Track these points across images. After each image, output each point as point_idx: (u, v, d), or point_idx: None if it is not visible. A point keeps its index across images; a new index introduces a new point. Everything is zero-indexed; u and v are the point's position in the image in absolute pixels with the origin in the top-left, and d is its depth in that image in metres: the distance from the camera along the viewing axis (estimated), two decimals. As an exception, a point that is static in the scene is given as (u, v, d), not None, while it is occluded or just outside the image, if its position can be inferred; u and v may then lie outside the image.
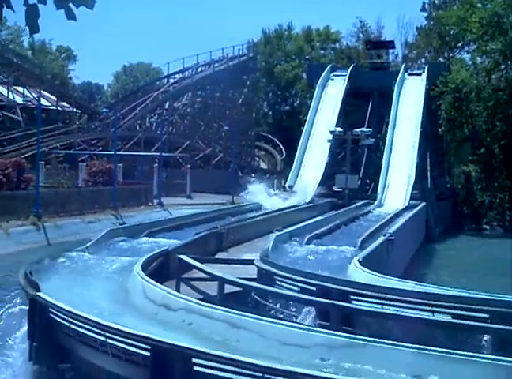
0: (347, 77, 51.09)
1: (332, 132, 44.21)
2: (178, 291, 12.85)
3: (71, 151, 53.15)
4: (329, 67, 54.02)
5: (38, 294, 11.44)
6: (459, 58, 64.88)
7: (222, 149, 66.78)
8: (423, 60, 71.29)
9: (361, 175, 48.80)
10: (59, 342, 11.22)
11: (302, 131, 48.88)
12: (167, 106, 68.24)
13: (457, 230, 49.14)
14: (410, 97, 48.84)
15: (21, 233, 30.71)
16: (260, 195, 37.22)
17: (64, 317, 10.62)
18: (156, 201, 45.58)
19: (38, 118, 38.67)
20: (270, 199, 37.30)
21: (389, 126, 46.83)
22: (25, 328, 11.56)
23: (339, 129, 44.57)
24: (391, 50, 65.21)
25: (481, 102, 53.62)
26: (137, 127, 65.42)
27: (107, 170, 42.96)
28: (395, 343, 8.44)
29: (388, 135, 46.18)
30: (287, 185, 41.41)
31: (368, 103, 52.26)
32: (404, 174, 43.19)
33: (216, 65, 69.15)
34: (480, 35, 54.27)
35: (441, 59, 67.01)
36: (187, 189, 52.59)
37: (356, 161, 47.92)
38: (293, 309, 12.13)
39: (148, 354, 8.67)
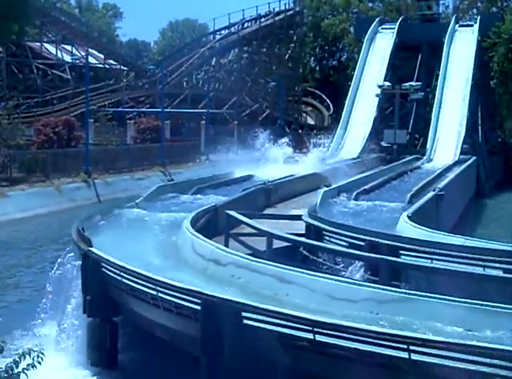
0: (395, 30, 50.08)
1: (380, 86, 43.61)
2: (227, 247, 12.95)
3: (119, 109, 53.52)
4: (377, 20, 52.93)
5: (90, 249, 11.66)
6: (513, 7, 62.82)
7: (269, 105, 66.42)
8: (474, 11, 69.26)
9: (410, 130, 48.11)
10: (112, 295, 11.47)
11: (349, 86, 48.35)
12: (213, 63, 67.92)
13: (509, 184, 48.23)
14: (461, 49, 47.69)
15: (72, 190, 31.24)
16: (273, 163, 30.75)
17: (116, 271, 10.82)
18: (203, 158, 45.80)
19: (86, 76, 38.95)
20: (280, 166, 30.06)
21: (439, 79, 45.92)
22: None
23: (387, 83, 43.93)
24: (441, 2, 63.66)
25: (535, 53, 51.99)
26: (184, 84, 65.34)
27: (154, 128, 43.22)
28: (445, 297, 8.38)
29: (438, 88, 45.34)
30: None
31: (417, 57, 51.16)
32: (455, 128, 42.47)
33: (263, 20, 68.32)
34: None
35: (494, 9, 65.04)
36: (235, 145, 52.57)
37: (405, 116, 47.23)
38: (341, 264, 12.13)
39: (198, 308, 8.78)
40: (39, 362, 5.07)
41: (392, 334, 7.09)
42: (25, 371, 4.99)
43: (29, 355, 5.04)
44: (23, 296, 16.03)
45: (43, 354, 5.16)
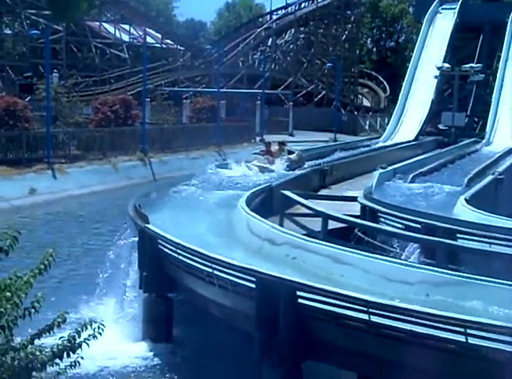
0: (456, 10, 48.97)
1: (439, 68, 42.81)
2: (282, 226, 12.97)
3: (175, 89, 53.86)
4: (437, 0, 51.87)
5: (147, 225, 11.82)
6: None
7: (325, 86, 65.97)
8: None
9: (468, 113, 47.20)
10: (167, 272, 11.63)
11: (407, 68, 47.60)
12: (269, 43, 67.72)
13: None
14: (525, 30, 46.43)
15: (129, 168, 31.67)
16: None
17: (172, 248, 10.95)
18: (258, 138, 45.80)
19: (144, 55, 39.24)
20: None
21: (501, 61, 44.85)
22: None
23: (446, 64, 43.08)
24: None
25: None
26: (240, 64, 65.35)
27: (210, 107, 43.35)
28: (503, 281, 8.26)
29: (499, 70, 44.32)
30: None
31: (478, 38, 50.02)
32: (516, 111, 41.47)
33: (320, 0, 67.76)
34: None
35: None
36: (289, 126, 52.46)
37: (464, 98, 46.34)
38: (397, 247, 12.04)
39: (253, 286, 8.83)
40: (100, 333, 5.20)
41: (449, 317, 7.02)
42: (87, 341, 5.12)
43: (90, 326, 5.17)
44: (81, 270, 16.37)
45: (103, 325, 5.28)
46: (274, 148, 22.83)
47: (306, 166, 22.20)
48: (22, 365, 4.87)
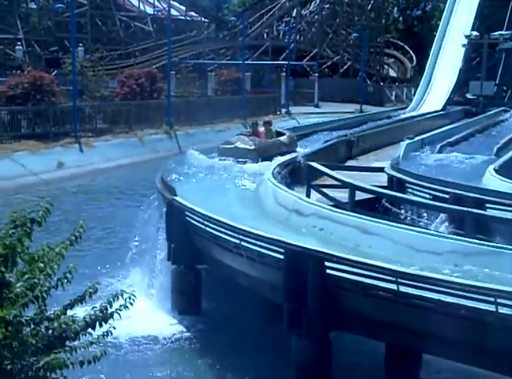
0: (485, -24, 48.07)
1: (467, 36, 42.22)
2: (309, 198, 12.97)
3: (200, 61, 53.74)
4: (465, -34, 50.93)
5: (174, 198, 11.88)
6: None
7: (350, 57, 65.37)
8: None
9: (497, 81, 46.48)
10: (195, 244, 11.69)
11: (434, 36, 46.98)
12: (294, 14, 67.12)
13: None
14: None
15: (155, 141, 31.78)
16: None
17: (199, 220, 11.00)
18: (283, 110, 45.66)
19: (168, 28, 39.16)
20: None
21: (531, 28, 44.07)
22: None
23: (475, 32, 42.47)
24: None
25: None
26: (265, 36, 64.94)
27: (235, 80, 43.23)
28: (534, 251, 8.20)
29: (529, 38, 43.54)
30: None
31: (508, 5, 49.04)
32: (546, 79, 40.86)
33: (345, -31, 66.99)
34: None
35: None
36: (315, 97, 52.20)
37: (493, 66, 45.65)
38: (425, 217, 11.97)
39: (281, 257, 8.86)
40: (131, 303, 5.27)
41: (478, 286, 6.99)
42: (118, 311, 5.20)
43: (122, 297, 5.24)
44: (110, 242, 16.53)
45: (134, 296, 5.35)
46: (261, 128, 19.64)
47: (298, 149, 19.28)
48: (56, 335, 4.97)
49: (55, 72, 39.49)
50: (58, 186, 23.65)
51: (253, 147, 17.41)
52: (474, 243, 8.78)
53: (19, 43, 50.55)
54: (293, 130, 23.02)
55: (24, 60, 48.60)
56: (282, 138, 19.46)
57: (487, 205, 11.24)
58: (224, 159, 17.11)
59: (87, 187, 24.57)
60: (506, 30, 44.69)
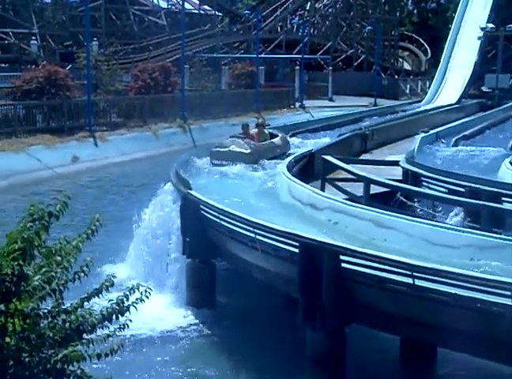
0: (501, -32, 47.71)
1: (483, 28, 41.95)
2: (323, 191, 12.95)
3: (214, 55, 53.72)
4: (480, -42, 50.55)
5: (189, 191, 11.89)
6: None
7: (364, 50, 65.13)
8: None
9: (513, 74, 46.24)
10: (210, 237, 11.70)
11: (449, 29, 46.73)
12: (308, 7, 66.94)
13: None
14: None
15: (169, 135, 31.83)
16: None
17: (214, 213, 11.01)
18: (297, 104, 45.59)
19: (182, 22, 39.12)
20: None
21: (547, 21, 43.67)
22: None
23: (490, 25, 42.16)
24: None
25: None
26: (279, 29, 64.83)
27: (249, 73, 43.20)
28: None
29: (545, 30, 43.15)
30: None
31: (523, -3, 48.78)
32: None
33: (359, -39, 66.69)
34: None
35: None
36: (329, 91, 52.08)
37: (508, 59, 45.35)
38: (440, 211, 11.93)
39: (296, 250, 8.85)
40: (147, 297, 5.29)
41: (494, 280, 6.97)
42: (134, 304, 5.22)
43: (138, 290, 5.26)
44: (125, 234, 16.55)
45: (150, 289, 5.37)
46: (253, 130, 18.68)
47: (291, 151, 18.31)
48: (73, 328, 4.99)
49: (70, 66, 39.60)
50: (73, 180, 23.75)
51: (248, 150, 16.67)
52: (490, 237, 8.74)
53: (34, 37, 50.76)
54: (308, 124, 22.93)
55: (39, 54, 48.81)
56: (275, 140, 18.66)
57: (504, 199, 11.19)
58: (219, 165, 16.21)
59: (101, 181, 24.63)
60: (522, 22, 44.38)
